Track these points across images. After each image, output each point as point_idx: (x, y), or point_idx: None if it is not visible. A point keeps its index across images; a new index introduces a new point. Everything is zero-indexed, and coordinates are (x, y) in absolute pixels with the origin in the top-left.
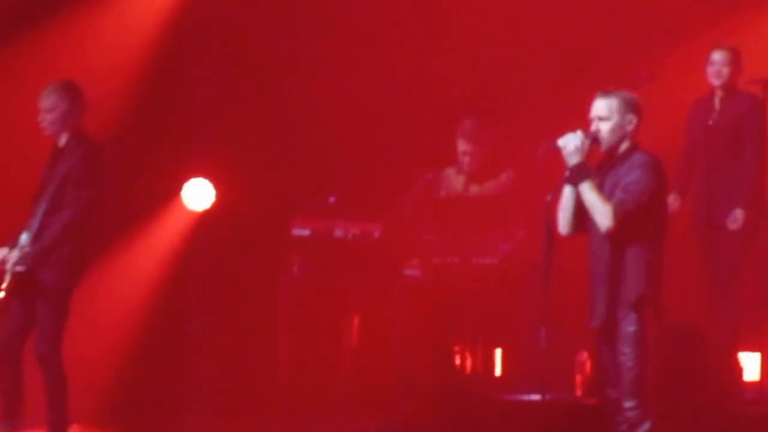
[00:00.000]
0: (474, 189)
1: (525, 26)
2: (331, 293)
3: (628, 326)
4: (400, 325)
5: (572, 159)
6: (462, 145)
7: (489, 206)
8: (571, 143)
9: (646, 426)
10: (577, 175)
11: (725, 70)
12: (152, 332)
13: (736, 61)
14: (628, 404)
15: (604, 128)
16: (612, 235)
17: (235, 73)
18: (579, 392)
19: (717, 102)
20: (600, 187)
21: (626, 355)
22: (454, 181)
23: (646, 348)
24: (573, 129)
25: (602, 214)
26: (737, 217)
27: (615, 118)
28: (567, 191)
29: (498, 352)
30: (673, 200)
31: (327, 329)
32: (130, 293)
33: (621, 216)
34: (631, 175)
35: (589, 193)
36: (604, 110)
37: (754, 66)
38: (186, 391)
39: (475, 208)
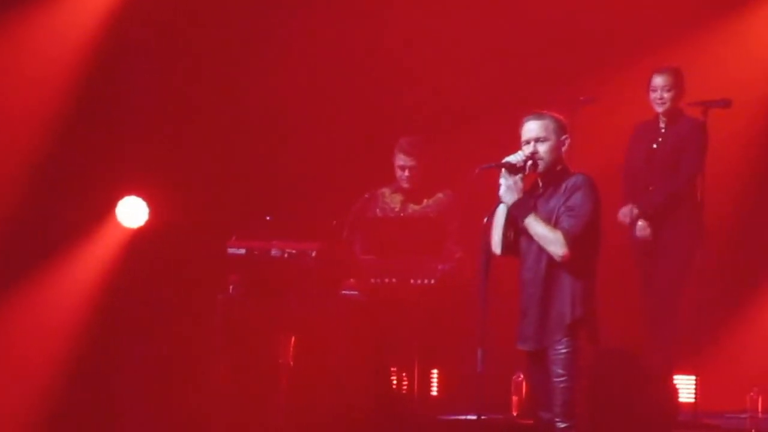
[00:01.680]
0: (411, 208)
1: (465, 46)
2: (268, 313)
3: (562, 348)
4: (337, 345)
5: (510, 197)
6: (401, 161)
7: (426, 227)
8: (512, 163)
9: None
10: (520, 212)
11: (667, 95)
12: (84, 350)
13: (677, 84)
14: (561, 426)
15: (542, 149)
16: (548, 259)
17: (170, 91)
18: (515, 413)
19: (661, 126)
20: (540, 204)
21: (559, 376)
22: (390, 200)
23: (579, 370)
24: (511, 150)
25: (555, 243)
26: (643, 227)
27: (552, 139)
28: (499, 212)
29: (435, 373)
30: (643, 227)
31: (263, 349)
32: (63, 309)
33: (573, 241)
34: (573, 198)
35: (536, 225)
36: (540, 131)
37: (695, 88)
38: (118, 411)
39: (413, 228)
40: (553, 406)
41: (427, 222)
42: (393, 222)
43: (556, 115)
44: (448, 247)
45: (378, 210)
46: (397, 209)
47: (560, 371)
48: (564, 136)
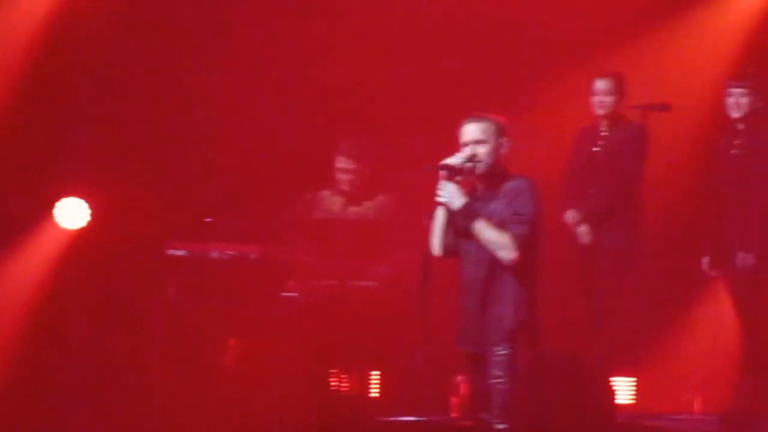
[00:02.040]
0: (352, 210)
1: (407, 49)
2: (208, 315)
3: (501, 350)
4: (277, 347)
5: (457, 201)
6: (341, 163)
7: (367, 229)
8: (452, 165)
9: None
10: (467, 216)
11: (608, 100)
12: (21, 354)
13: (618, 89)
14: (499, 427)
15: (481, 151)
16: (488, 261)
17: (111, 92)
18: (455, 414)
19: (603, 130)
20: (483, 208)
21: (499, 378)
22: (330, 202)
23: (518, 372)
24: (452, 152)
25: (504, 247)
26: (584, 232)
27: (491, 142)
28: (439, 213)
29: (375, 374)
30: (584, 231)
31: (203, 351)
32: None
33: (521, 244)
34: (518, 202)
35: (485, 230)
36: (479, 134)
37: (635, 91)
38: (57, 414)
39: (353, 231)
40: (492, 407)
41: (367, 224)
42: (334, 224)
43: (496, 117)
44: (388, 249)
45: (319, 212)
46: (337, 211)
47: (499, 373)
48: (503, 139)
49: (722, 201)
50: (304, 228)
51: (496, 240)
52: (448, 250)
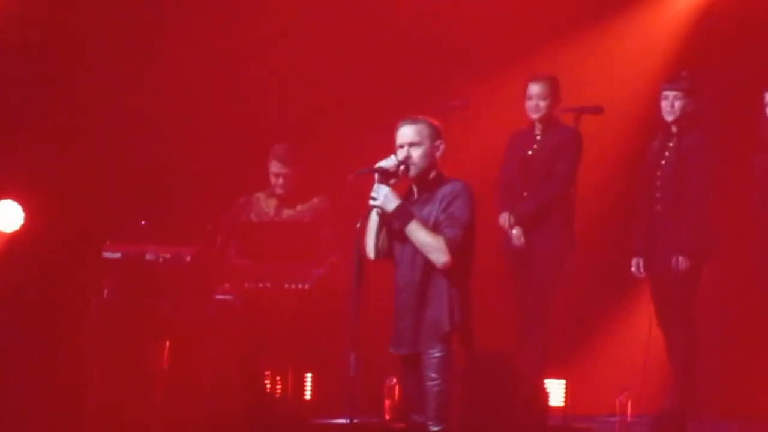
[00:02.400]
0: (286, 213)
1: (341, 52)
2: (142, 317)
3: (436, 353)
4: (211, 350)
5: (390, 203)
6: (275, 168)
7: (301, 232)
8: (385, 168)
9: None
10: (400, 219)
11: (542, 104)
12: None
13: (553, 93)
14: (433, 429)
15: (415, 154)
16: (422, 264)
17: (45, 94)
18: (388, 416)
19: (537, 133)
20: (416, 210)
21: (433, 380)
22: (264, 205)
23: (452, 374)
24: (385, 155)
25: (438, 251)
26: (518, 235)
27: (426, 144)
28: (373, 217)
29: (308, 377)
30: (517, 235)
31: (138, 353)
32: None
33: (455, 249)
34: (454, 206)
35: (418, 233)
36: (414, 136)
37: (568, 95)
38: None
39: (287, 233)
40: (426, 409)
41: (301, 227)
42: (267, 227)
43: (431, 120)
44: (322, 251)
45: (253, 214)
46: (271, 214)
47: (433, 375)
48: (438, 142)
49: (655, 204)
50: (238, 230)
51: (430, 243)
52: (382, 253)
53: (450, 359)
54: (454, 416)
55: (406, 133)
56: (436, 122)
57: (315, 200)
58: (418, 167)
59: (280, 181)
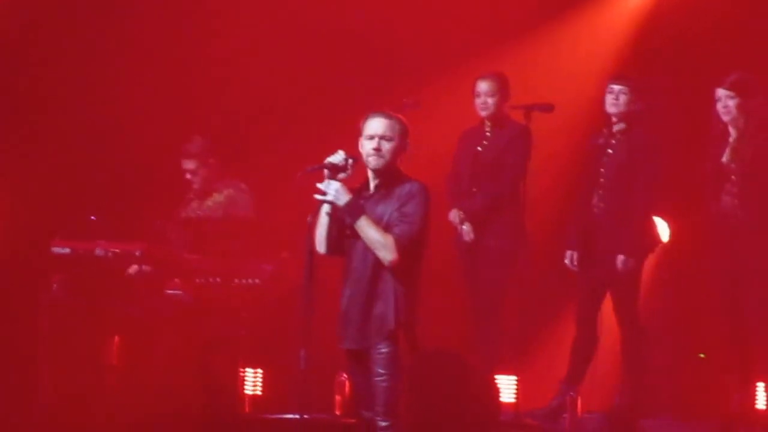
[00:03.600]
0: (205, 205)
1: (287, 49)
2: (92, 312)
3: (383, 348)
4: (162, 345)
5: (341, 198)
6: (184, 165)
7: (251, 226)
8: (334, 163)
9: None
10: (350, 214)
11: (490, 101)
12: None
13: (501, 89)
14: (382, 425)
15: (385, 147)
16: (372, 260)
17: None
18: (338, 412)
19: (487, 130)
20: (370, 207)
21: (381, 376)
22: (191, 200)
23: (400, 369)
24: (332, 150)
25: (385, 248)
26: (468, 231)
27: (396, 141)
28: (323, 212)
29: (259, 372)
30: (468, 231)
31: (88, 348)
32: None
33: (403, 247)
34: (409, 205)
35: (367, 229)
36: (387, 130)
37: (518, 92)
38: None
39: (238, 228)
40: (375, 405)
41: (250, 222)
42: (219, 222)
43: (403, 118)
44: (273, 247)
45: (183, 211)
46: (195, 208)
47: (381, 371)
48: (407, 140)
49: (597, 200)
50: (175, 226)
51: (378, 240)
52: (333, 249)
53: (397, 355)
54: (402, 412)
55: (378, 125)
56: (406, 121)
57: (229, 191)
58: (385, 161)
59: (192, 177)
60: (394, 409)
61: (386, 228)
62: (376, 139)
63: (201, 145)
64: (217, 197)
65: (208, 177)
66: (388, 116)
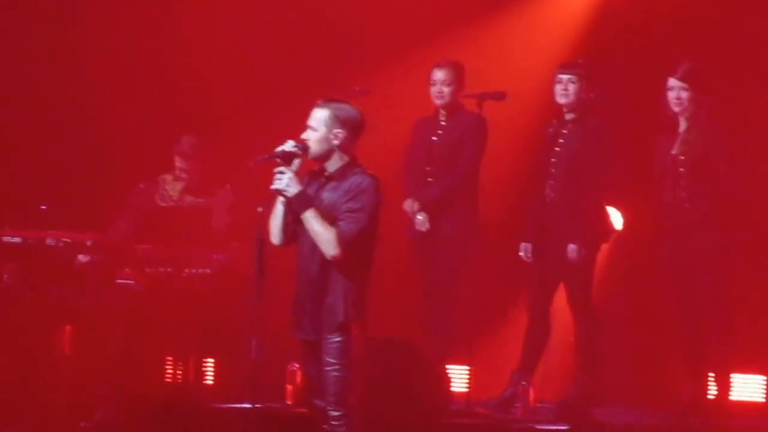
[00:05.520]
0: (189, 200)
1: (244, 40)
2: (43, 302)
3: (334, 338)
4: (113, 335)
5: (291, 188)
6: (178, 163)
7: (203, 217)
8: (284, 152)
9: None
10: (299, 205)
11: (446, 89)
12: None
13: (457, 79)
14: (333, 414)
15: (311, 138)
16: (322, 253)
17: None
18: (290, 401)
19: (441, 119)
20: (319, 198)
21: (331, 365)
22: (170, 188)
23: (352, 359)
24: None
25: (327, 242)
26: (422, 221)
27: (322, 130)
28: (278, 203)
29: (210, 362)
30: (422, 220)
31: (39, 338)
32: None
33: (346, 243)
34: (355, 200)
35: (312, 221)
36: (313, 120)
37: (474, 81)
38: None
39: (190, 218)
40: (326, 394)
41: (203, 213)
42: (170, 212)
43: (339, 106)
44: (224, 237)
45: (157, 196)
46: (175, 197)
47: (332, 360)
48: (337, 130)
49: (548, 190)
50: (140, 215)
51: (321, 234)
52: (287, 239)
53: (348, 345)
54: (353, 401)
55: (311, 116)
56: (347, 109)
57: (220, 192)
58: (312, 152)
59: (184, 175)
60: (346, 399)
61: (334, 221)
62: (307, 129)
63: (196, 145)
64: (206, 197)
65: (199, 176)
66: (320, 106)
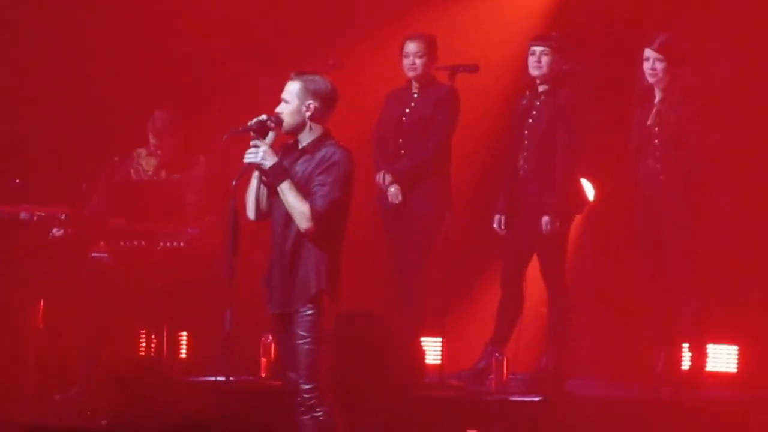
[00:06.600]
0: (164, 174)
1: (218, 13)
2: (17, 276)
3: (306, 312)
4: (86, 309)
5: (267, 161)
6: (153, 139)
7: (178, 191)
8: (260, 121)
9: (322, 410)
10: (274, 177)
11: (419, 62)
12: None
13: (429, 51)
14: (304, 387)
15: (284, 110)
16: (296, 224)
17: None
18: (264, 374)
19: (414, 92)
20: (293, 171)
21: (302, 338)
22: (145, 162)
23: (324, 333)
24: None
25: (301, 215)
26: (395, 194)
27: (294, 102)
28: (253, 177)
29: (184, 335)
30: (395, 193)
31: (12, 312)
32: None
33: (318, 216)
34: (326, 173)
35: (288, 194)
36: (286, 93)
37: (443, 53)
38: None
39: (164, 192)
40: (298, 367)
41: (177, 187)
42: (144, 186)
43: (310, 78)
44: (198, 210)
45: (132, 171)
46: (150, 173)
47: (303, 333)
48: (309, 102)
49: (521, 162)
50: (114, 188)
51: (295, 207)
52: (262, 214)
53: (320, 318)
54: (325, 374)
55: (285, 89)
56: (318, 81)
57: (195, 169)
58: (285, 124)
59: (158, 151)
60: (317, 373)
61: (307, 193)
62: (281, 102)
63: (170, 120)
64: (180, 170)
65: (174, 151)
66: (294, 77)
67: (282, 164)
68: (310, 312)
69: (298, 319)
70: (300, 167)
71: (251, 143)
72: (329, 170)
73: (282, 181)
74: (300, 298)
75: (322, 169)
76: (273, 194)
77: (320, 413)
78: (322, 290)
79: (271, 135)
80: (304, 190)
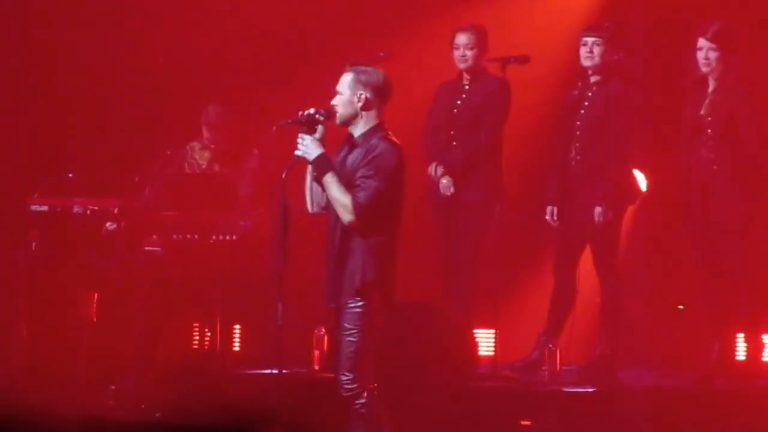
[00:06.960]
0: (217, 167)
1: (270, 8)
2: (70, 269)
3: (353, 304)
4: (139, 301)
5: (312, 153)
6: (206, 133)
7: (231, 183)
8: (310, 114)
9: (362, 399)
10: (319, 169)
11: (469, 53)
12: None
13: (480, 43)
14: (343, 378)
15: (337, 102)
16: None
17: None
18: (316, 367)
19: (465, 83)
20: (344, 164)
21: (347, 330)
22: (198, 156)
23: (370, 327)
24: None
25: (344, 208)
26: (447, 185)
27: (346, 93)
28: (308, 171)
29: (237, 328)
30: (447, 184)
31: (66, 305)
32: None
33: (360, 209)
34: (369, 166)
35: (331, 186)
36: (340, 84)
37: (494, 45)
38: None
39: (217, 185)
40: (340, 359)
41: (229, 180)
42: (197, 179)
43: (362, 68)
44: (250, 203)
45: (186, 165)
46: (204, 166)
47: (348, 326)
48: (361, 92)
49: (573, 153)
50: (168, 181)
51: (338, 199)
52: (319, 206)
53: (367, 312)
54: (370, 368)
55: (339, 80)
56: (371, 72)
57: (248, 163)
58: (338, 116)
59: (212, 144)
60: (358, 366)
61: (348, 187)
62: (336, 94)
63: (223, 114)
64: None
65: (228, 145)
66: (348, 69)
67: (326, 157)
68: (357, 305)
69: (345, 311)
70: (351, 159)
71: (298, 136)
72: (372, 162)
73: (325, 173)
74: (348, 291)
75: (365, 162)
76: (323, 186)
77: (359, 404)
78: (369, 283)
79: (320, 128)
80: (351, 182)
